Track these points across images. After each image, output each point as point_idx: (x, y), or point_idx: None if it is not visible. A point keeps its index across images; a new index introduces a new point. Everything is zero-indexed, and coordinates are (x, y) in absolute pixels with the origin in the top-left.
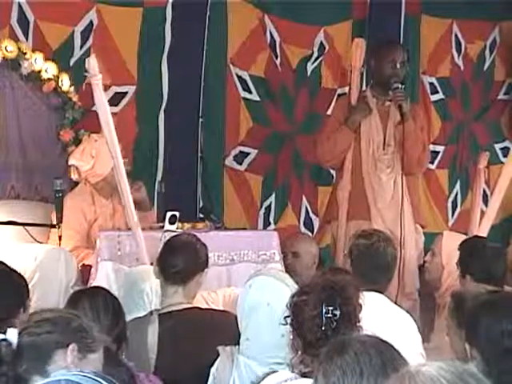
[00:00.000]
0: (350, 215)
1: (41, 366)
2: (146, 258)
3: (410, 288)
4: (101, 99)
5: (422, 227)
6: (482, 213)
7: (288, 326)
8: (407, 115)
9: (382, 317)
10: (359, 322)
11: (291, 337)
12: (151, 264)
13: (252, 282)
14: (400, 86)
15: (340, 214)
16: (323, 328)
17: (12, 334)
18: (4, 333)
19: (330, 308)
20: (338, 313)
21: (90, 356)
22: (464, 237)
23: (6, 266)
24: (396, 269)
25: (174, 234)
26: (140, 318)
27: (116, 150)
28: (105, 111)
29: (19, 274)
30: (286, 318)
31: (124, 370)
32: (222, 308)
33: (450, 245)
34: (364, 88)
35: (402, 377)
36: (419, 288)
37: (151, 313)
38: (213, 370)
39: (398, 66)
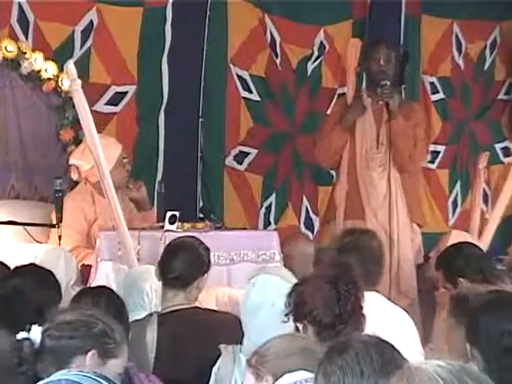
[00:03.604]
0: (347, 215)
1: (58, 370)
2: (135, 261)
3: (406, 286)
4: (81, 104)
5: (420, 226)
6: (482, 213)
7: (291, 325)
8: (394, 112)
9: (379, 316)
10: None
11: (299, 330)
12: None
13: (255, 281)
14: (387, 83)
15: (337, 213)
16: (341, 303)
17: (35, 333)
18: (29, 330)
19: (343, 284)
20: (351, 286)
21: (110, 361)
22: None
23: (38, 266)
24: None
25: (174, 236)
26: (139, 320)
27: (98, 153)
28: (86, 116)
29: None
30: (287, 315)
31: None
32: (214, 308)
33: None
34: (363, 88)
35: (401, 375)
36: (418, 287)
37: (150, 314)
38: (214, 369)
39: (382, 63)
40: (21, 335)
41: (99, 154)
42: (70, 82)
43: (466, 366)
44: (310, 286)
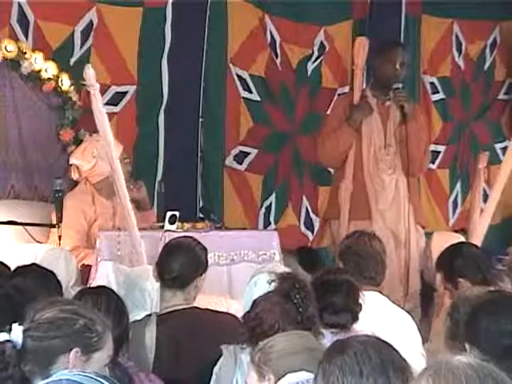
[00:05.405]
0: (351, 215)
1: (43, 370)
2: (145, 259)
3: (413, 289)
4: (98, 109)
5: (423, 227)
6: (482, 212)
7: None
8: (409, 116)
9: (381, 316)
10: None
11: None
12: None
13: (257, 280)
14: (399, 86)
15: (342, 214)
16: (300, 310)
17: (17, 334)
18: (9, 330)
19: (297, 294)
20: (304, 294)
21: (94, 355)
22: (453, 234)
23: (39, 266)
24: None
25: (174, 236)
26: (138, 320)
27: (114, 159)
28: (102, 120)
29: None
30: (244, 342)
31: (122, 371)
32: None
33: (441, 245)
34: (364, 87)
35: (429, 373)
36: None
37: (149, 315)
38: (216, 369)
39: (398, 66)
40: (2, 337)
41: (114, 160)
42: (89, 86)
43: (493, 368)
44: (265, 304)
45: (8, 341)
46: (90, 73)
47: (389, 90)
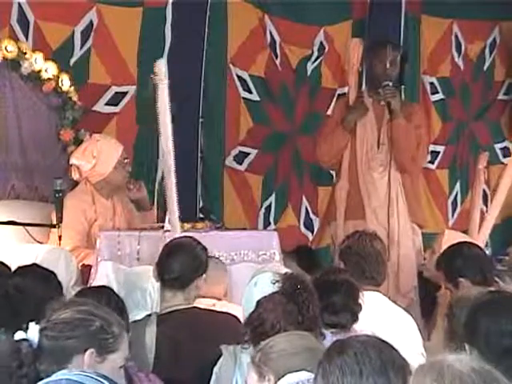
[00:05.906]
0: (348, 215)
1: (59, 370)
2: None
3: (406, 287)
4: (163, 103)
5: (420, 227)
6: (482, 213)
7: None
8: (396, 112)
9: (381, 316)
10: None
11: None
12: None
13: (257, 280)
14: (390, 83)
15: (338, 214)
16: (302, 311)
17: (33, 333)
18: (26, 329)
19: (300, 295)
20: (307, 295)
21: (110, 356)
22: (465, 235)
23: (40, 266)
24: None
25: (174, 236)
26: (138, 320)
27: (170, 154)
28: (165, 115)
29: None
30: (246, 341)
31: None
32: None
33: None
34: (363, 88)
35: (434, 371)
36: (419, 287)
37: (149, 315)
38: (216, 369)
39: (388, 65)
40: (19, 335)
41: (171, 156)
42: (159, 80)
43: (492, 371)
44: (267, 304)
45: (24, 339)
46: (161, 66)
47: (379, 88)
